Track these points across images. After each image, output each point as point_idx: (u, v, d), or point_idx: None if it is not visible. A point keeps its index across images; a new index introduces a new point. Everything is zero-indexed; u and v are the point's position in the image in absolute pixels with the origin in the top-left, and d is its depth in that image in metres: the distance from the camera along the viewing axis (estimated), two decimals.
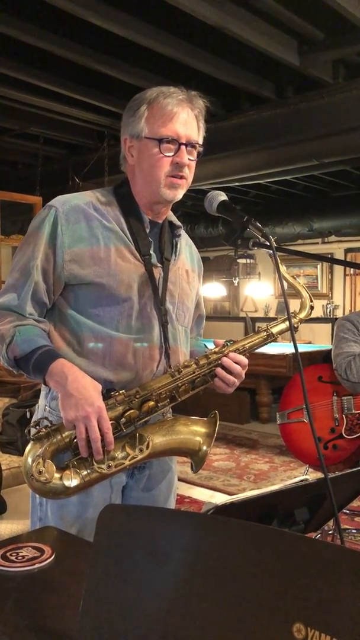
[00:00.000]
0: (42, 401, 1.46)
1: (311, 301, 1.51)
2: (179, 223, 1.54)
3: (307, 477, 1.13)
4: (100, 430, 1.25)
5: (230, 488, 4.39)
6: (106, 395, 1.30)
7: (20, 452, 3.28)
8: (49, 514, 1.42)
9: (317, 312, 7.91)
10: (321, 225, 7.07)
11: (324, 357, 3.01)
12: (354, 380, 2.75)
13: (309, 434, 2.86)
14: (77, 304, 1.40)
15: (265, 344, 1.50)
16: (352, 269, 8.28)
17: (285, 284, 1.33)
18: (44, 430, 1.28)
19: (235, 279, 8.92)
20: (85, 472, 1.28)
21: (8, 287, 1.39)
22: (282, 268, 1.35)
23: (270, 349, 4.24)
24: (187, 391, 1.39)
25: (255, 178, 5.31)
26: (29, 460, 1.26)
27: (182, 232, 1.57)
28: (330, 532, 2.84)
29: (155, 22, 3.28)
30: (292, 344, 1.27)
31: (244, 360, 1.44)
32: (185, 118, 1.38)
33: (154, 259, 1.45)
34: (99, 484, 1.34)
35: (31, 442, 1.28)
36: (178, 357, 1.48)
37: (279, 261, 1.31)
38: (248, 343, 1.46)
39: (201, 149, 1.44)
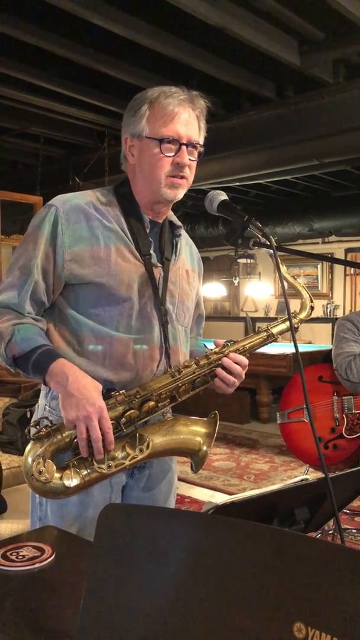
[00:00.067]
0: (42, 401, 1.46)
1: (311, 301, 1.51)
2: (179, 223, 1.54)
3: (307, 476, 1.13)
4: (100, 429, 1.25)
5: (230, 488, 4.39)
6: (106, 395, 1.30)
7: (20, 452, 3.27)
8: (49, 513, 1.42)
9: (318, 312, 7.91)
10: (321, 225, 7.07)
11: (324, 357, 3.01)
12: (354, 380, 2.75)
13: (309, 434, 2.86)
14: (77, 304, 1.39)
15: (266, 344, 1.50)
16: (352, 269, 8.29)
17: (285, 284, 1.33)
18: (44, 429, 1.28)
19: (235, 279, 8.94)
20: (85, 472, 1.28)
21: (8, 285, 1.39)
22: (283, 268, 1.35)
23: (271, 349, 4.24)
24: (187, 391, 1.39)
25: (256, 178, 5.31)
26: (29, 459, 1.26)
27: (183, 232, 1.56)
28: (331, 531, 2.84)
29: (155, 22, 3.28)
30: (292, 343, 1.27)
31: (244, 360, 1.44)
32: (187, 118, 1.38)
33: (154, 259, 1.45)
34: (99, 484, 1.34)
35: (31, 441, 1.28)
36: (178, 357, 1.48)
37: (279, 261, 1.31)
38: (248, 343, 1.46)
39: (202, 149, 1.43)
